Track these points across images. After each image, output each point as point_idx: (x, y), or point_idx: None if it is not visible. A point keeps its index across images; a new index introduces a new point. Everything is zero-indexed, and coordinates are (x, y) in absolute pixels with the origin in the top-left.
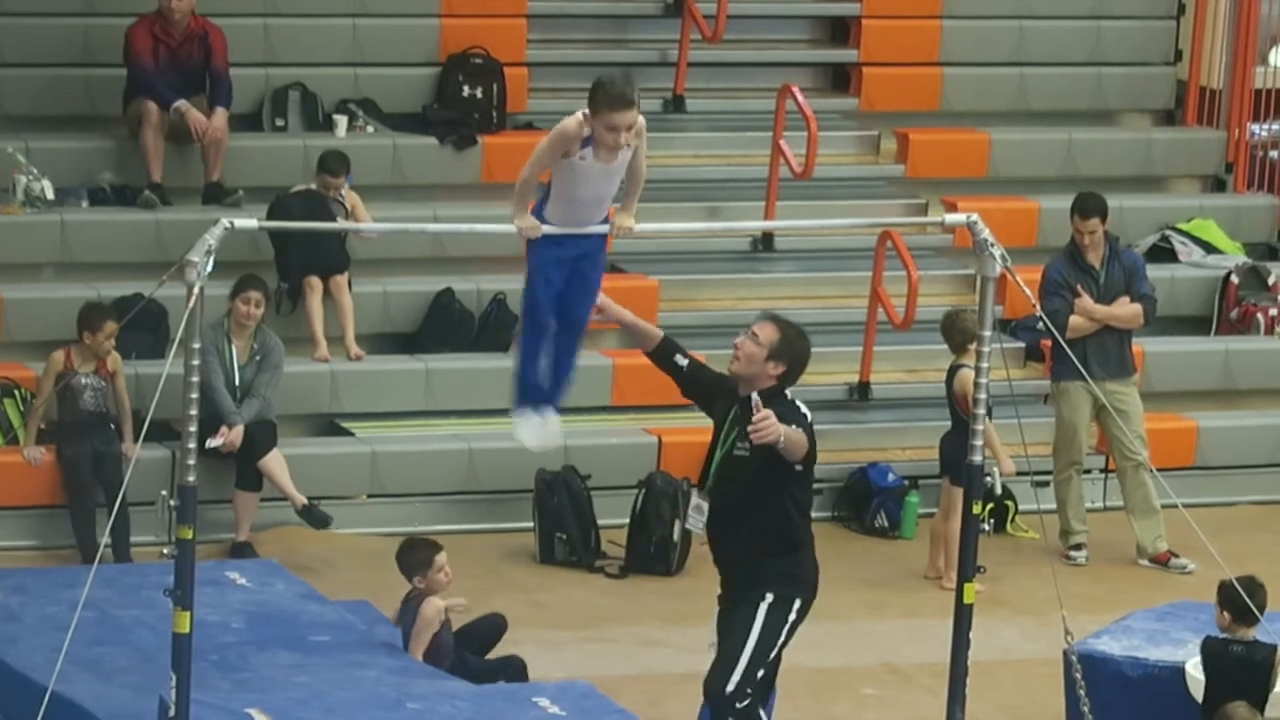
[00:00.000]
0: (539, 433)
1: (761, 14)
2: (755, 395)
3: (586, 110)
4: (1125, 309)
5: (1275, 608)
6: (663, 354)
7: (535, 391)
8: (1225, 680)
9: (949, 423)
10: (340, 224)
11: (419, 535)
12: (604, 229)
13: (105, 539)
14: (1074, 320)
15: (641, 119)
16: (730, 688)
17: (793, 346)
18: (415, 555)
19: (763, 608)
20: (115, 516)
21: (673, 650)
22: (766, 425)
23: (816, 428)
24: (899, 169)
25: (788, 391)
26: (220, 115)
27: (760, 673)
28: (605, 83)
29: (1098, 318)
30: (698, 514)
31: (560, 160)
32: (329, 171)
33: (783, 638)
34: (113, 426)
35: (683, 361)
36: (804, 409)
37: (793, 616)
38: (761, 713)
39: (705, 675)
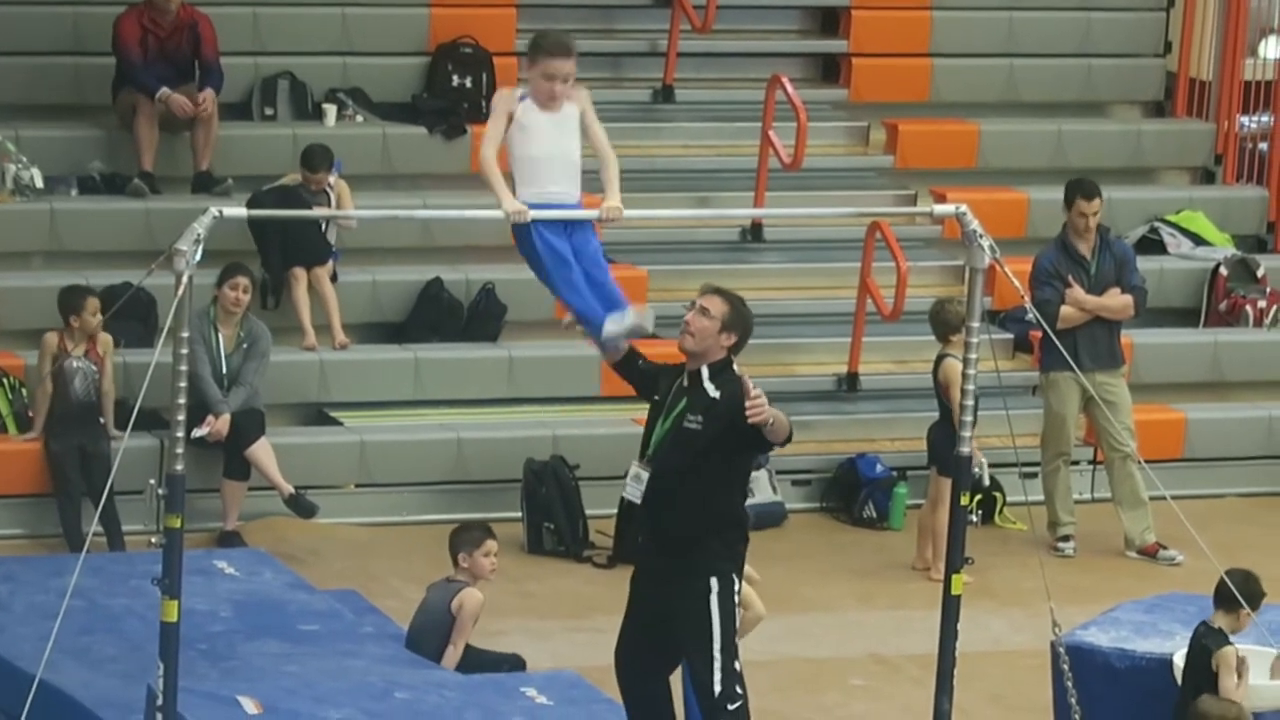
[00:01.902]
0: (630, 320)
1: (751, 4)
2: (745, 377)
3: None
4: (1116, 300)
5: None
6: (627, 362)
7: (595, 314)
8: (1190, 658)
9: (938, 414)
10: (327, 211)
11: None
12: (592, 214)
13: (94, 528)
14: (1065, 310)
15: (586, 91)
16: (717, 688)
17: (742, 316)
18: (466, 534)
19: (713, 600)
20: (102, 510)
21: None
22: (761, 404)
23: (803, 418)
24: (888, 160)
25: (736, 366)
26: (208, 93)
27: (736, 663)
28: (541, 33)
29: (1089, 308)
30: (636, 483)
31: (511, 131)
32: (309, 167)
33: (737, 617)
34: (101, 421)
35: (641, 363)
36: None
37: (737, 597)
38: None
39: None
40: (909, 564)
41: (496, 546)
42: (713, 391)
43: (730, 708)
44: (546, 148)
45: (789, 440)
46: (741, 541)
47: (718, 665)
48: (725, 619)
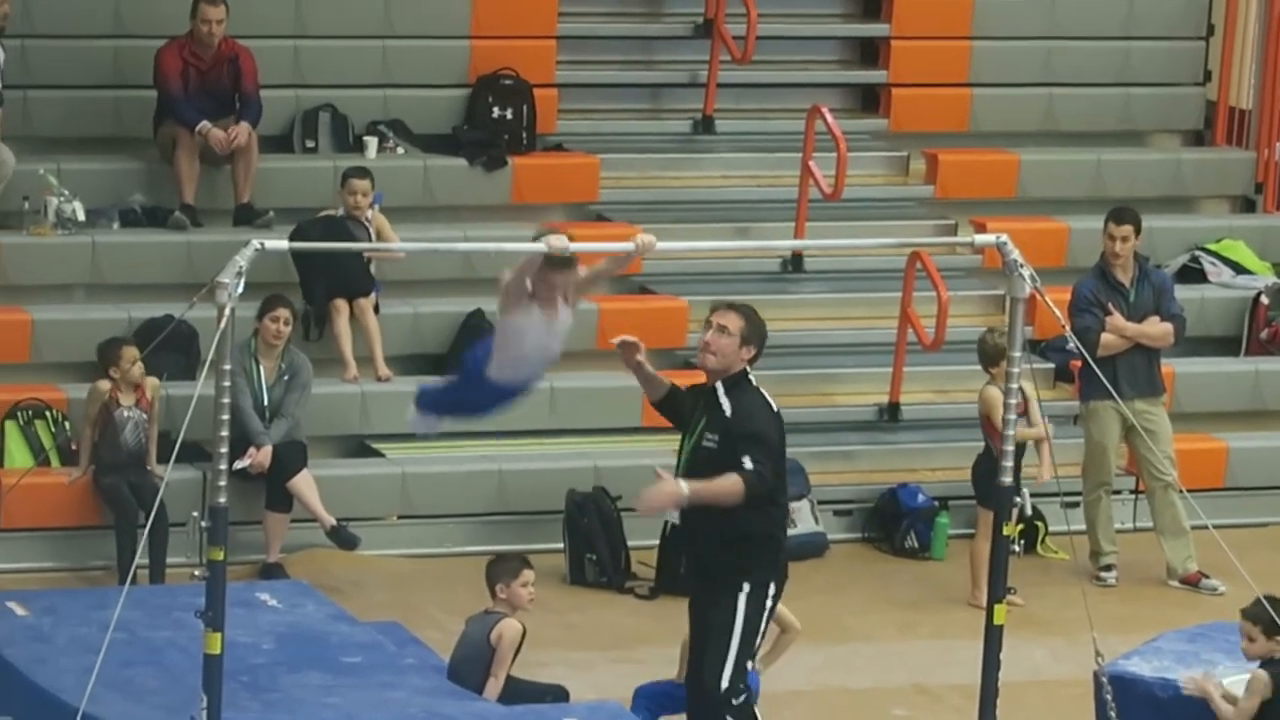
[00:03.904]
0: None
1: (791, 35)
2: (659, 472)
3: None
4: (1157, 327)
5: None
6: (670, 398)
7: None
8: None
9: (977, 443)
10: (369, 245)
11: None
12: (626, 247)
13: (139, 559)
14: (1106, 338)
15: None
16: (725, 684)
17: (758, 328)
18: (503, 565)
19: (741, 599)
20: (151, 539)
21: None
22: (652, 502)
23: (845, 448)
24: (928, 189)
25: (752, 377)
26: (244, 127)
27: (749, 663)
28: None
29: (1129, 335)
30: None
31: (507, 321)
32: (353, 177)
33: (763, 624)
34: (149, 469)
35: (681, 393)
36: (769, 398)
37: (769, 601)
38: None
39: (688, 674)
40: (951, 594)
41: (534, 576)
42: (727, 408)
43: (735, 702)
44: (534, 348)
45: (776, 473)
46: (775, 554)
47: (730, 660)
48: (749, 619)
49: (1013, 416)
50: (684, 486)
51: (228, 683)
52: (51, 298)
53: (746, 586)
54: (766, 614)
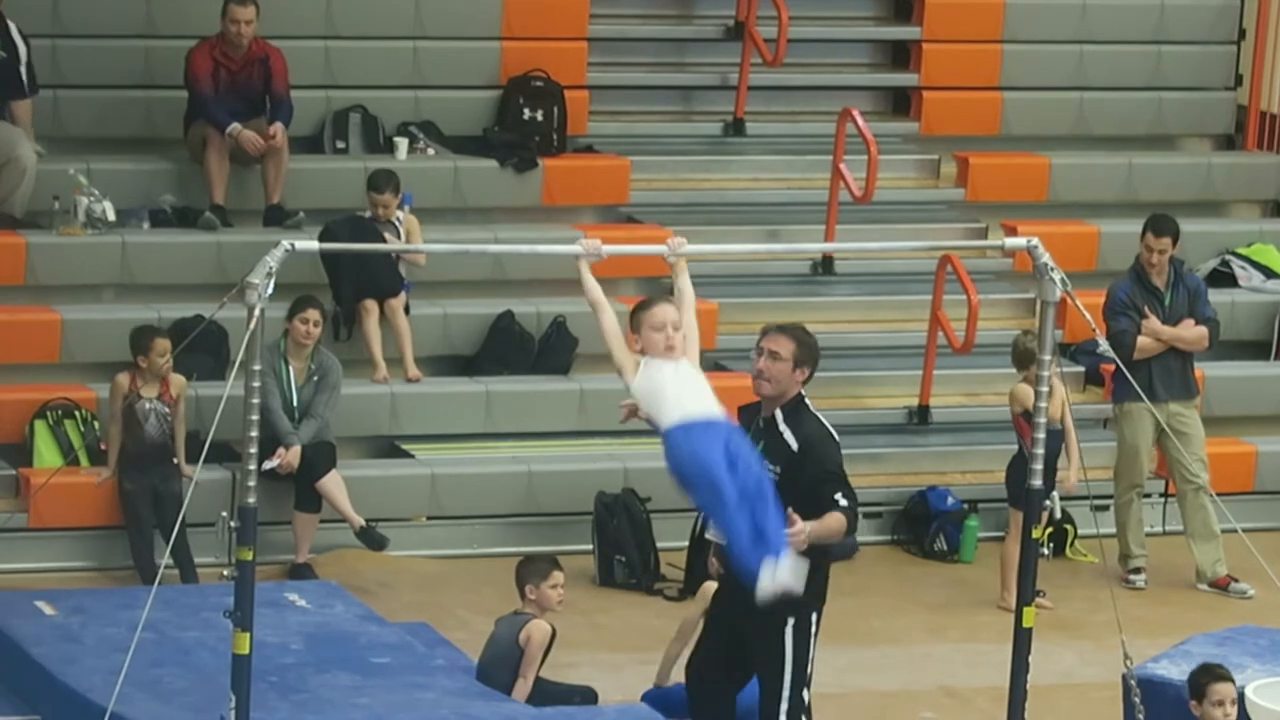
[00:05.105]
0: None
1: (822, 38)
2: (791, 513)
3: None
4: (1191, 331)
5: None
6: None
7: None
8: None
9: (1006, 446)
10: (398, 245)
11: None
12: (659, 249)
13: (166, 561)
14: (1142, 341)
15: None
16: (782, 719)
17: (810, 348)
18: (533, 565)
19: (788, 634)
20: (174, 546)
21: None
22: (800, 541)
23: (874, 451)
24: (959, 193)
25: (809, 401)
26: (278, 128)
27: (804, 692)
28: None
29: (1165, 339)
30: None
31: (637, 386)
32: (375, 189)
33: (812, 651)
34: (175, 461)
35: None
36: (827, 424)
37: (814, 629)
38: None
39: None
40: (980, 597)
41: (563, 578)
42: (791, 441)
43: None
44: (675, 387)
45: (853, 529)
46: (823, 582)
47: (785, 697)
48: (798, 652)
49: (1043, 420)
50: (809, 526)
51: (256, 683)
52: (81, 298)
53: (792, 620)
54: (813, 641)
